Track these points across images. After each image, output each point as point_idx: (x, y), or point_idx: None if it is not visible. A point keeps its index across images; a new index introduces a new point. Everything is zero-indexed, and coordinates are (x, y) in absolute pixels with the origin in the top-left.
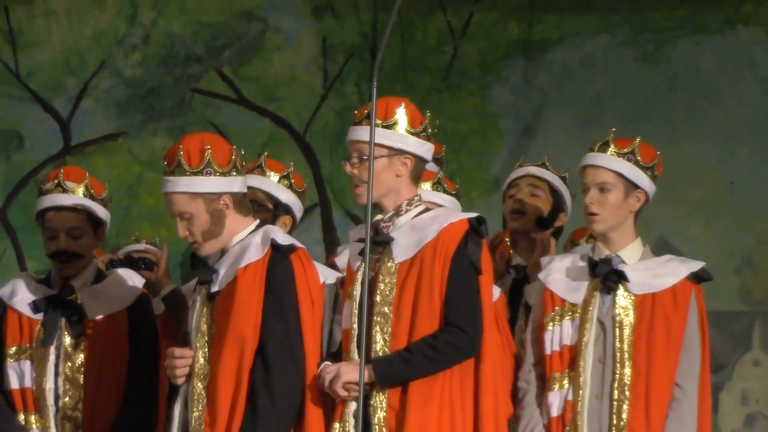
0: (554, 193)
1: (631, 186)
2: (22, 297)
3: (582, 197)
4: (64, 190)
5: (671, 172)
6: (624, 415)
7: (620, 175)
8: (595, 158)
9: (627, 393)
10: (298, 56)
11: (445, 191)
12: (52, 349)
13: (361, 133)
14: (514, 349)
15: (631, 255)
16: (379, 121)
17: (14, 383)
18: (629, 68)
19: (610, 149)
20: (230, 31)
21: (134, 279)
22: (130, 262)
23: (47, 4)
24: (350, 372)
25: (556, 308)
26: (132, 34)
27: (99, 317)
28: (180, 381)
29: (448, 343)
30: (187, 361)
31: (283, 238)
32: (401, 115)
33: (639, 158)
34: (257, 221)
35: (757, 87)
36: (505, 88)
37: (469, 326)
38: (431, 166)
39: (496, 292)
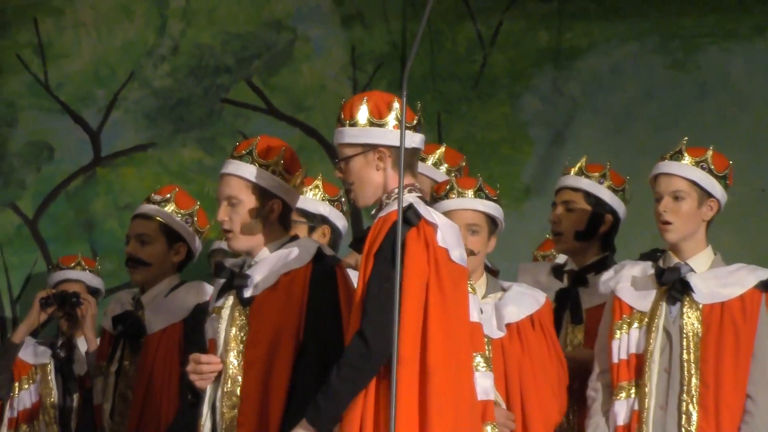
0: (590, 198)
1: (705, 194)
2: (111, 314)
3: (654, 206)
4: (148, 201)
5: None
6: (692, 428)
7: (694, 184)
8: (669, 166)
9: (695, 404)
10: (328, 66)
11: (488, 198)
12: (114, 366)
13: (336, 136)
14: (561, 355)
15: (700, 264)
16: (347, 120)
17: (95, 399)
18: (659, 75)
19: (684, 157)
20: (259, 41)
21: (201, 290)
22: (62, 297)
23: (76, 15)
24: None
25: (624, 316)
26: (161, 45)
27: (155, 331)
28: (207, 384)
29: (353, 355)
30: (215, 366)
31: (328, 250)
32: (363, 109)
33: (712, 167)
34: (289, 236)
35: None
36: (535, 97)
37: (370, 328)
38: (441, 176)
39: (542, 297)
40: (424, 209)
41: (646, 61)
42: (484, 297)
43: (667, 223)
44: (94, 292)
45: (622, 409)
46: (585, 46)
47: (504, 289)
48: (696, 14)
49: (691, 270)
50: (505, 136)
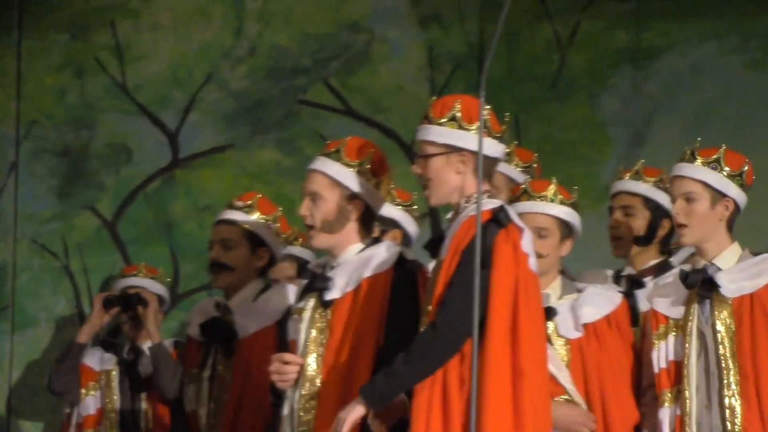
0: (649, 203)
1: (718, 195)
2: (196, 321)
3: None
4: (231, 207)
5: None
6: (737, 420)
7: (706, 185)
8: (681, 169)
9: (738, 399)
10: (405, 67)
11: (561, 201)
12: (207, 372)
13: (421, 132)
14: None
15: (726, 260)
16: (435, 119)
17: (187, 407)
18: (738, 75)
19: (696, 159)
20: (337, 42)
21: (291, 292)
22: (125, 298)
23: (154, 17)
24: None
25: (661, 326)
26: (238, 47)
27: (248, 334)
28: (288, 386)
29: (420, 342)
30: (296, 367)
31: (410, 254)
32: (455, 112)
33: (725, 166)
34: (372, 239)
35: None
36: (614, 96)
37: (442, 323)
38: (519, 177)
39: (617, 298)
40: (512, 213)
41: (724, 61)
42: (560, 298)
43: (682, 225)
44: (159, 300)
45: (665, 417)
46: (664, 45)
47: (579, 291)
48: None
49: (718, 269)
50: (584, 137)
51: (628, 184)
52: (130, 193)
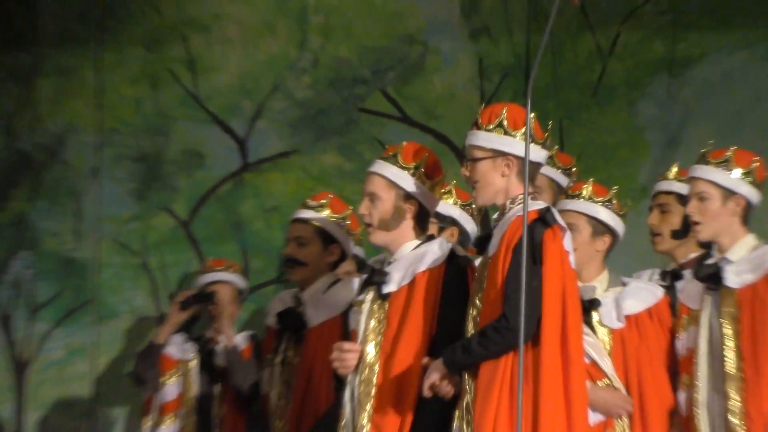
0: (682, 199)
1: (728, 193)
2: (273, 311)
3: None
4: (305, 206)
5: None
6: (737, 399)
7: (715, 184)
8: (694, 170)
9: (739, 380)
10: (457, 76)
11: (591, 200)
12: (279, 358)
13: (470, 137)
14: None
15: (737, 253)
16: (483, 125)
17: (263, 390)
18: (767, 82)
19: (707, 161)
20: (393, 54)
21: (355, 286)
22: (201, 297)
23: (223, 32)
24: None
25: (684, 317)
26: (302, 59)
27: (316, 324)
28: (347, 372)
29: (494, 330)
30: (355, 354)
31: (461, 251)
32: (502, 118)
33: (734, 165)
34: (427, 236)
35: None
36: (651, 103)
37: (513, 314)
38: (560, 178)
39: (659, 292)
40: (557, 214)
41: (755, 69)
42: (605, 291)
43: (696, 223)
44: (240, 292)
45: (682, 399)
46: (697, 55)
47: (624, 285)
48: None
49: (729, 262)
50: (623, 140)
51: (664, 184)
52: (203, 196)
